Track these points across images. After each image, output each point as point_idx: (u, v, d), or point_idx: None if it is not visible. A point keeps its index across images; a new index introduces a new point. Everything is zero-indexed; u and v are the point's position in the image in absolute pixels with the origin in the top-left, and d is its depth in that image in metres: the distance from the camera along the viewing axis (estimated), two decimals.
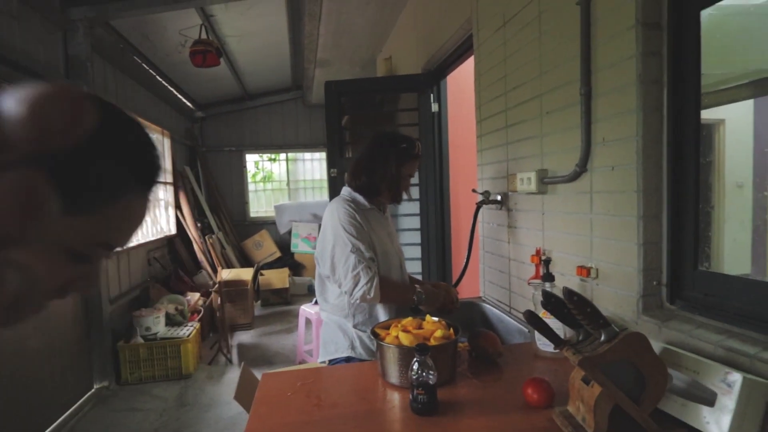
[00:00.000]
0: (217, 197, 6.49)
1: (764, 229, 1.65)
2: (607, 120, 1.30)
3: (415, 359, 1.06)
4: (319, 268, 1.62)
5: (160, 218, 4.98)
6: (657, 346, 1.02)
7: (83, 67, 3.10)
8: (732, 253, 1.59)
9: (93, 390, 3.24)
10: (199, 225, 5.48)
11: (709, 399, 0.88)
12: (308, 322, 3.55)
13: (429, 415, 1.04)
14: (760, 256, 1.64)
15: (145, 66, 4.20)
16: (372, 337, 1.29)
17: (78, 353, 3.10)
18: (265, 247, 6.40)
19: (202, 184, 6.32)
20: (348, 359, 1.55)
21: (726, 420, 0.83)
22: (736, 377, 0.84)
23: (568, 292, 0.91)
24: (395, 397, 1.15)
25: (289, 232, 6.44)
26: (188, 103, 5.89)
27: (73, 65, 3.08)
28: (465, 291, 2.82)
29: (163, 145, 5.06)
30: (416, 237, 3.19)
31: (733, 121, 1.71)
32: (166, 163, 5.13)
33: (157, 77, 4.57)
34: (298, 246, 6.28)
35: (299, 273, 6.23)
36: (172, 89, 5.08)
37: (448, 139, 3.14)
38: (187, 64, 3.88)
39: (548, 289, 1.30)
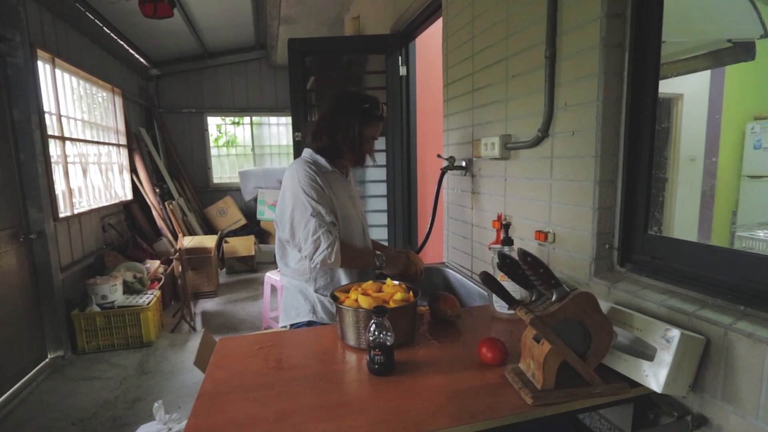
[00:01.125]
0: (177, 161, 6.22)
1: (710, 197, 1.74)
2: (570, 84, 1.30)
3: (372, 321, 1.07)
4: (279, 232, 1.58)
5: (114, 182, 4.74)
6: (606, 305, 1.07)
7: (14, 13, 2.81)
8: (681, 219, 1.67)
9: (47, 360, 3.14)
10: (157, 190, 5.26)
11: (649, 354, 0.93)
12: (274, 289, 3.54)
13: (385, 375, 1.06)
14: (706, 223, 1.73)
15: (89, 15, 3.87)
16: (331, 300, 1.29)
17: (28, 323, 2.98)
18: (229, 214, 6.25)
19: (160, 148, 6.03)
20: (309, 323, 1.55)
21: (663, 372, 0.88)
22: (675, 333, 0.89)
23: (522, 253, 0.92)
24: (353, 359, 1.16)
25: (255, 199, 6.30)
26: (141, 59, 5.52)
27: (2, 11, 2.79)
28: (429, 257, 2.87)
29: (114, 103, 4.76)
30: (383, 203, 3.18)
31: (690, 96, 1.76)
32: (118, 123, 4.84)
33: (105, 28, 4.23)
34: (264, 213, 6.17)
35: (265, 240, 6.15)
36: (122, 42, 4.73)
37: (416, 103, 3.09)
38: (138, 15, 3.60)
39: (505, 252, 1.32)
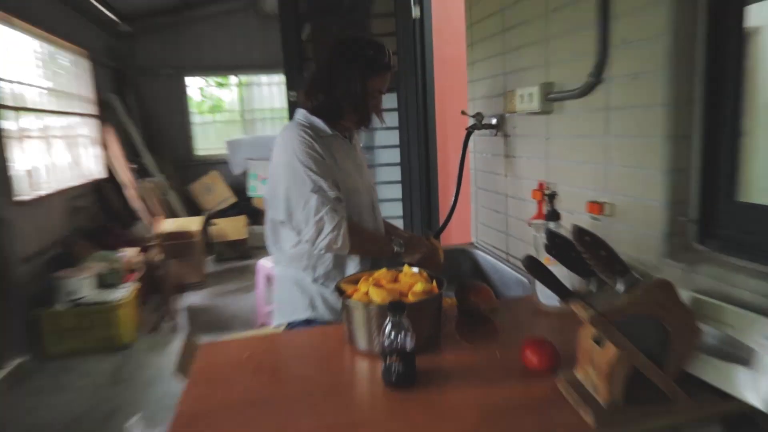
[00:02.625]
0: (154, 132, 6.18)
1: None
2: (630, 14, 1.20)
3: (387, 320, 1.00)
4: (271, 212, 1.52)
5: (83, 159, 4.72)
6: (684, 295, 0.97)
7: None
8: (762, 181, 1.55)
9: (8, 369, 3.11)
10: (134, 167, 5.24)
11: (745, 358, 0.85)
12: (270, 278, 3.50)
13: (405, 387, 0.99)
14: None
15: None
16: (336, 293, 1.22)
17: None
18: (216, 192, 6.25)
19: (135, 116, 5.98)
20: (308, 321, 1.49)
21: (767, 382, 0.79)
22: None
23: (578, 230, 0.84)
24: (364, 367, 1.11)
25: (245, 173, 6.27)
26: (109, 14, 5.40)
27: None
28: (454, 237, 2.78)
29: (80, 66, 4.69)
30: (396, 173, 3.09)
31: None
32: (86, 90, 4.78)
33: None
34: (257, 189, 6.14)
35: (258, 221, 6.12)
36: None
37: (432, 51, 2.99)
38: None
39: (553, 229, 1.23)
